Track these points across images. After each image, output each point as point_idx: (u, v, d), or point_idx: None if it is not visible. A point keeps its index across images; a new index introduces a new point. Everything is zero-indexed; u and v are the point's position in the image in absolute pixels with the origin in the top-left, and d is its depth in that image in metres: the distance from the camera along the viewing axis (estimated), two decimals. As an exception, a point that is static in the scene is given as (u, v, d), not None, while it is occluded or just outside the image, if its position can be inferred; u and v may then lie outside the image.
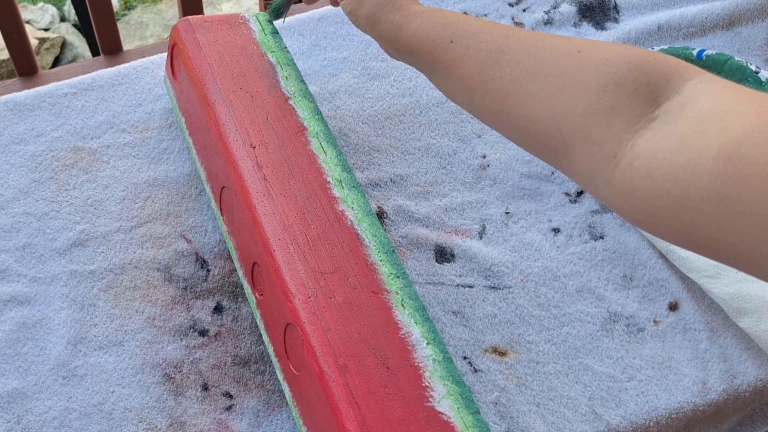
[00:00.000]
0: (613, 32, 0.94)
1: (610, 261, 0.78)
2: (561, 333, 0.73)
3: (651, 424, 0.69)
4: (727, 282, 0.73)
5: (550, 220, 0.80)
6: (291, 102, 0.72)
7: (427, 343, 0.58)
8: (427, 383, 0.56)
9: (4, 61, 1.92)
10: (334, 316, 0.59)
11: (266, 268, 0.63)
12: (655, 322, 0.74)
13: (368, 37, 0.94)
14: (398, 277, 0.62)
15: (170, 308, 0.73)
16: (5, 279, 0.74)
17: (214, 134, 0.70)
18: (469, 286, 0.76)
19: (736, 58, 0.89)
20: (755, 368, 0.72)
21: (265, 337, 0.66)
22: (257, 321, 0.67)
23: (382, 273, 0.62)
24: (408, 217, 0.80)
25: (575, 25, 0.96)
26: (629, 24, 0.95)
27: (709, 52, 0.90)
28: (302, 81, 0.75)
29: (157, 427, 0.67)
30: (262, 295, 0.64)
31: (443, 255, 0.77)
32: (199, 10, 1.08)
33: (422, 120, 0.87)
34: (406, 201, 0.81)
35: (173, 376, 0.70)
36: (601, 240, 0.79)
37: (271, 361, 0.70)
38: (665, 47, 0.90)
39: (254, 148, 0.68)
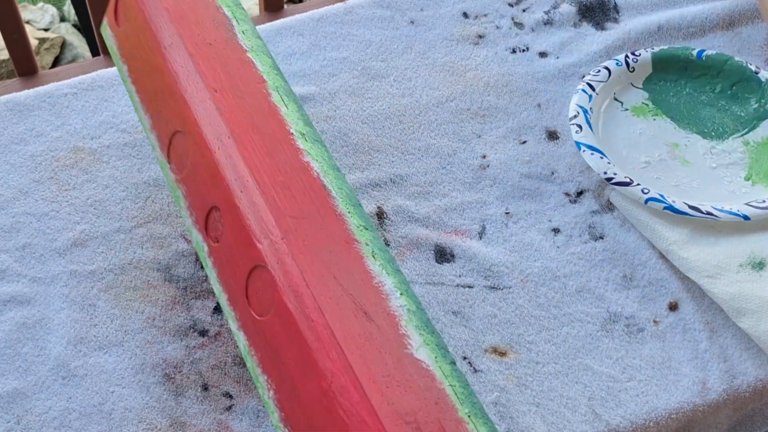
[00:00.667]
0: (613, 32, 0.94)
1: (610, 261, 0.78)
2: (561, 333, 0.73)
3: (651, 424, 0.69)
4: (727, 282, 0.73)
5: (550, 220, 0.80)
6: (249, 55, 0.69)
7: (401, 294, 0.56)
8: (403, 332, 0.54)
9: (3, 61, 1.92)
10: (308, 260, 0.56)
11: (230, 211, 0.60)
12: (654, 322, 0.74)
13: (368, 36, 0.94)
14: (367, 228, 0.60)
15: (170, 308, 0.73)
16: (5, 279, 0.74)
17: (168, 77, 0.66)
18: (469, 286, 0.76)
19: (736, 59, 0.89)
20: (755, 368, 0.72)
21: (217, 287, 0.62)
22: (207, 271, 0.63)
23: (351, 224, 0.60)
24: (408, 217, 0.80)
25: (575, 25, 0.96)
26: (629, 24, 0.95)
27: (709, 52, 0.90)
28: (260, 38, 0.71)
29: (157, 427, 0.67)
30: (217, 242, 0.61)
31: (443, 255, 0.77)
32: (199, 10, 1.08)
33: (422, 120, 0.87)
34: (406, 201, 0.81)
35: (173, 376, 0.70)
36: (601, 240, 0.79)
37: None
38: (665, 47, 0.90)
39: (216, 92, 0.65)
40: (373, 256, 0.58)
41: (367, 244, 0.59)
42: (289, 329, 0.55)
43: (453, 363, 0.55)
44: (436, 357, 0.54)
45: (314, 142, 0.64)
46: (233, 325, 0.60)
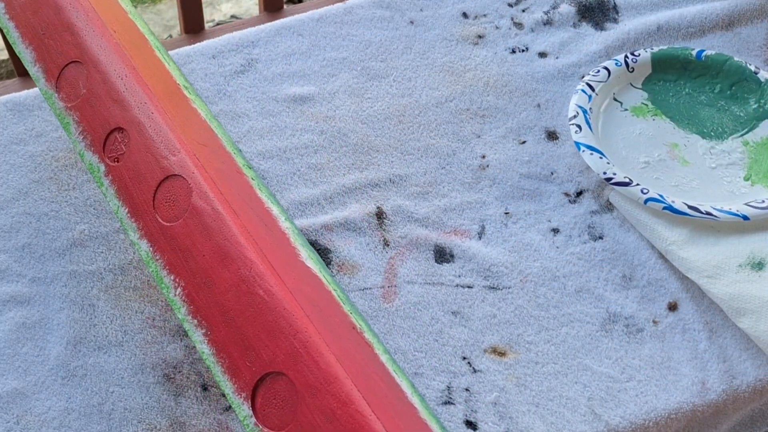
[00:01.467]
0: (613, 33, 0.94)
1: (610, 261, 0.78)
2: (560, 333, 0.73)
3: (650, 424, 0.69)
4: (726, 282, 0.73)
5: (549, 221, 0.80)
6: (130, 17, 0.73)
7: (285, 219, 0.62)
8: (293, 246, 0.60)
9: (3, 61, 1.92)
10: (215, 174, 0.62)
11: (137, 131, 0.65)
12: (654, 322, 0.74)
13: (367, 37, 0.94)
14: (250, 168, 0.65)
15: (170, 308, 0.73)
16: (5, 279, 0.74)
17: (65, 13, 0.71)
18: (469, 287, 0.76)
19: (735, 59, 0.89)
20: (755, 368, 0.72)
21: (114, 203, 0.65)
22: (103, 190, 0.66)
23: (238, 160, 0.65)
24: (407, 218, 0.80)
25: (574, 25, 0.96)
26: (628, 24, 0.95)
27: (708, 52, 0.90)
28: (131, 5, 0.76)
29: (156, 427, 0.67)
30: (117, 161, 0.65)
31: (442, 255, 0.78)
32: (198, 10, 1.08)
33: (421, 120, 0.87)
34: (406, 201, 0.81)
35: (173, 376, 0.70)
36: (600, 240, 0.79)
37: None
38: (664, 48, 0.90)
39: (114, 32, 0.70)
40: (259, 189, 0.64)
41: (252, 179, 0.64)
42: (207, 227, 0.60)
43: (333, 275, 0.61)
44: (319, 268, 0.60)
45: (195, 96, 0.69)
46: (134, 236, 0.63)
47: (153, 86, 0.67)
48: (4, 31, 0.75)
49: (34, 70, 0.72)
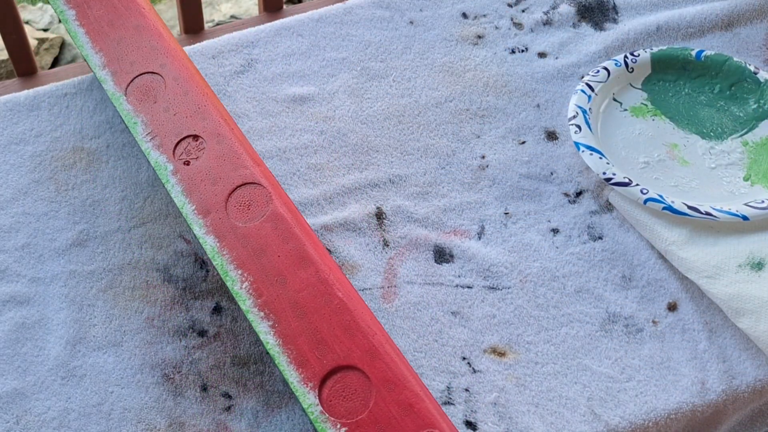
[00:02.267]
0: (612, 33, 0.94)
1: (609, 261, 0.78)
2: (560, 333, 0.73)
3: (650, 424, 0.69)
4: (726, 282, 0.73)
5: (549, 221, 0.80)
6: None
7: None
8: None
9: (3, 61, 1.92)
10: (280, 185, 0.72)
11: (217, 140, 0.72)
12: (654, 322, 0.74)
13: (367, 37, 0.94)
14: None
15: (169, 308, 0.73)
16: (4, 279, 0.74)
17: (148, 33, 0.80)
18: (468, 287, 0.76)
19: (735, 59, 0.89)
20: (754, 369, 0.72)
21: (180, 200, 0.70)
22: (168, 187, 0.71)
23: None
24: (407, 218, 0.80)
25: (574, 25, 0.96)
26: (628, 25, 0.95)
27: (707, 53, 0.90)
28: None
29: (156, 427, 0.67)
30: (188, 164, 0.71)
31: (442, 255, 0.78)
32: (198, 11, 1.08)
33: (421, 120, 0.87)
34: (405, 201, 0.81)
35: (172, 376, 0.70)
36: (600, 240, 0.79)
37: (270, 360, 0.70)
38: (664, 48, 0.90)
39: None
40: None
41: None
42: (286, 232, 0.66)
43: None
44: None
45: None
46: (199, 231, 0.68)
47: (224, 111, 0.76)
48: (71, 34, 0.82)
49: (102, 73, 0.79)
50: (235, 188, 0.69)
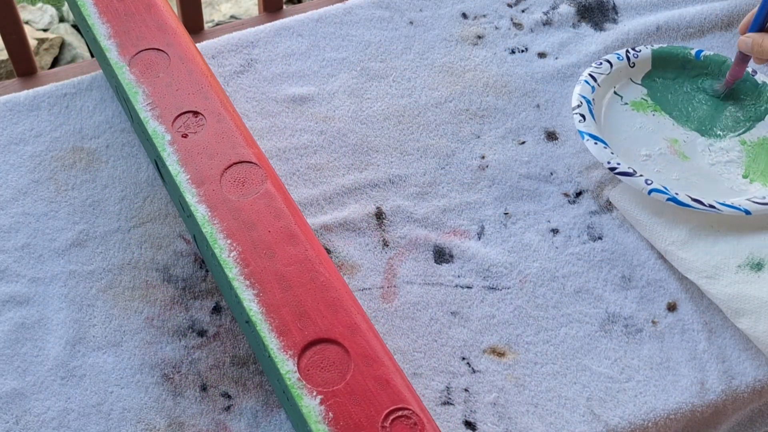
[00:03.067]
0: (612, 33, 0.95)
1: (609, 262, 0.78)
2: (559, 334, 0.73)
3: (649, 424, 0.69)
4: (725, 283, 0.73)
5: (548, 221, 0.80)
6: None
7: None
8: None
9: (3, 61, 1.92)
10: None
11: (217, 119, 0.74)
12: (653, 322, 0.74)
13: (367, 37, 0.94)
14: None
15: (169, 308, 0.73)
16: (4, 279, 0.74)
17: (158, 11, 0.82)
18: (468, 287, 0.76)
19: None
20: (754, 369, 0.72)
21: (175, 168, 0.71)
22: (165, 155, 0.71)
23: None
24: (406, 218, 0.80)
25: (574, 26, 0.96)
26: (628, 25, 0.95)
27: (707, 52, 0.90)
28: None
29: (155, 427, 0.67)
30: (186, 137, 0.73)
31: (442, 255, 0.78)
32: (197, 11, 1.08)
33: (421, 120, 0.87)
34: (405, 201, 0.81)
35: (172, 376, 0.70)
36: (599, 241, 0.79)
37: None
38: (665, 45, 0.90)
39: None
40: None
41: None
42: (278, 210, 0.68)
43: None
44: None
45: None
46: (191, 199, 0.69)
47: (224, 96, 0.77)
48: (79, 4, 0.82)
49: (107, 42, 0.80)
50: (231, 165, 0.71)
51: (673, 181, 0.80)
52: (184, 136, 0.73)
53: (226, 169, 0.70)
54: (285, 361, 0.61)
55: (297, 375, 0.60)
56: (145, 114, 0.74)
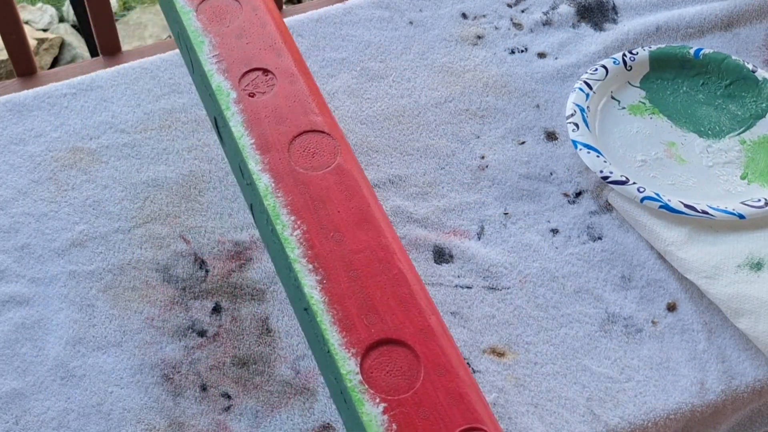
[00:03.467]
0: (612, 33, 0.95)
1: (609, 262, 0.78)
2: (559, 334, 0.73)
3: (649, 425, 0.69)
4: (725, 283, 0.73)
5: (548, 221, 0.80)
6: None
7: None
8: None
9: (2, 61, 1.92)
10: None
11: (290, 80, 0.67)
12: (653, 322, 0.74)
13: (366, 37, 0.94)
14: None
15: (169, 309, 0.73)
16: (4, 279, 0.74)
17: None
18: (468, 287, 0.76)
19: (733, 57, 0.89)
20: (753, 369, 0.72)
21: (239, 130, 0.65)
22: (228, 114, 0.66)
23: None
24: (406, 218, 0.80)
25: (574, 26, 0.96)
26: (627, 25, 0.95)
27: (705, 51, 0.90)
28: None
29: (155, 427, 0.67)
30: (253, 96, 0.66)
31: (441, 256, 0.78)
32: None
33: (421, 121, 0.87)
34: (405, 201, 0.81)
35: (172, 376, 0.70)
36: (599, 241, 0.79)
37: (270, 360, 0.70)
38: (662, 46, 0.90)
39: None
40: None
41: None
42: (350, 190, 0.61)
43: None
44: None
45: None
46: (254, 167, 0.63)
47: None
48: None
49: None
50: (302, 133, 0.64)
51: (668, 186, 0.80)
52: (251, 95, 0.66)
53: (295, 137, 0.64)
54: (346, 360, 0.54)
55: (359, 377, 0.53)
56: (209, 66, 0.68)
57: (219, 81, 0.67)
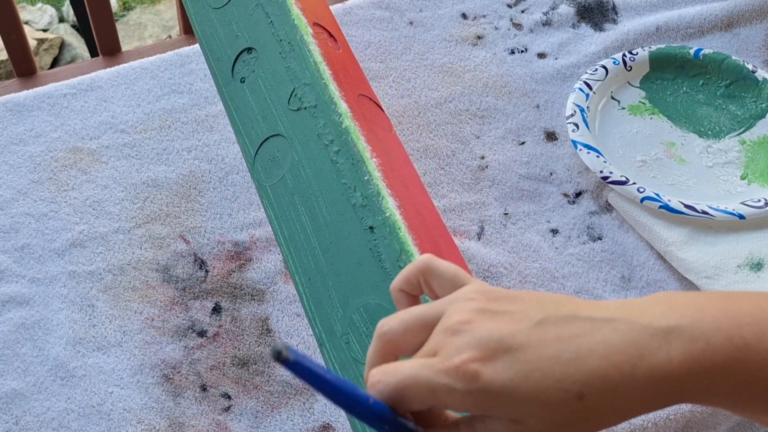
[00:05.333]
0: (612, 33, 0.95)
1: (609, 262, 0.78)
2: (559, 334, 0.73)
3: (649, 425, 0.69)
4: (725, 283, 0.73)
5: (548, 221, 0.80)
6: None
7: None
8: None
9: (2, 61, 1.92)
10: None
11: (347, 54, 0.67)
12: (653, 322, 0.74)
13: (366, 37, 0.94)
14: None
15: (169, 309, 0.73)
16: (4, 280, 0.74)
17: None
18: (468, 287, 0.76)
19: (733, 57, 0.89)
20: (753, 369, 0.72)
21: (317, 58, 0.62)
22: (310, 48, 0.63)
23: None
24: (406, 218, 0.80)
25: (573, 26, 0.96)
26: (627, 25, 0.95)
27: (705, 51, 0.90)
28: None
29: (155, 427, 0.67)
30: (337, 45, 0.66)
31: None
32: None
33: (421, 121, 0.87)
34: (405, 202, 0.81)
35: (172, 376, 0.70)
36: (599, 241, 0.79)
37: (270, 360, 0.70)
38: (662, 46, 0.90)
39: None
40: None
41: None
42: (404, 157, 0.63)
43: None
44: None
45: None
46: (334, 95, 0.61)
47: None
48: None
49: None
50: (361, 95, 0.64)
51: (668, 186, 0.81)
52: (329, 51, 0.64)
53: (359, 95, 0.63)
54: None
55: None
56: (301, 22, 0.65)
57: (298, 15, 0.65)
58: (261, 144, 0.62)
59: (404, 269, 0.44)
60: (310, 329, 0.67)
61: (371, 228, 0.55)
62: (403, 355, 0.41)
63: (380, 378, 0.38)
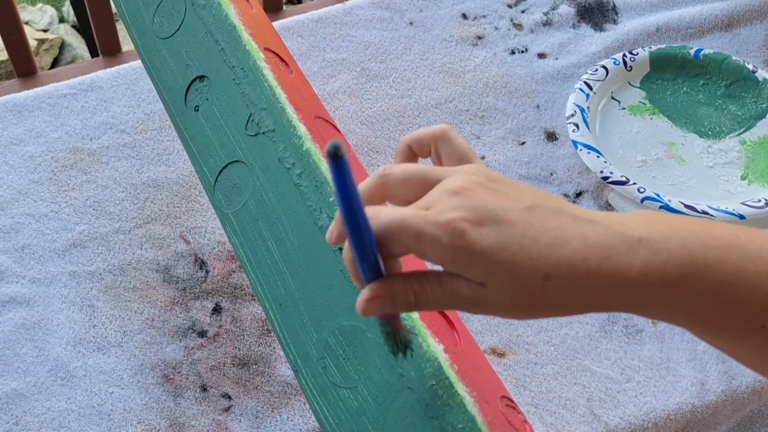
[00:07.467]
0: (612, 34, 0.95)
1: (609, 262, 0.78)
2: (559, 334, 0.73)
3: (649, 425, 0.69)
4: (725, 283, 0.73)
5: (548, 221, 0.80)
6: None
7: None
8: None
9: (3, 62, 1.92)
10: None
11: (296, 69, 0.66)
12: (653, 323, 0.74)
13: (367, 38, 0.94)
14: None
15: (169, 309, 0.73)
16: (4, 280, 0.75)
17: None
18: (468, 287, 0.76)
19: (733, 58, 0.89)
20: (753, 369, 0.72)
21: (272, 83, 0.62)
22: (260, 69, 0.62)
23: None
24: (407, 218, 0.80)
25: (574, 26, 0.96)
26: (628, 25, 0.95)
27: (706, 51, 0.90)
28: None
29: (155, 428, 0.67)
30: (277, 68, 0.64)
31: (442, 256, 0.77)
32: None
33: (421, 121, 0.87)
34: (405, 202, 0.81)
35: (172, 377, 0.70)
36: (599, 241, 0.79)
37: (270, 360, 0.70)
38: (662, 47, 0.90)
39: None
40: None
41: None
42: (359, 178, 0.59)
43: None
44: None
45: None
46: (294, 118, 0.60)
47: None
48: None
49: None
50: (318, 117, 0.62)
51: (668, 186, 0.80)
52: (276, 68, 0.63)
53: (316, 116, 0.62)
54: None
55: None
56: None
57: (248, 38, 0.64)
58: (220, 171, 0.61)
59: (420, 130, 0.49)
60: (284, 357, 0.66)
61: (341, 249, 0.54)
62: (391, 201, 0.45)
63: (372, 215, 0.41)
